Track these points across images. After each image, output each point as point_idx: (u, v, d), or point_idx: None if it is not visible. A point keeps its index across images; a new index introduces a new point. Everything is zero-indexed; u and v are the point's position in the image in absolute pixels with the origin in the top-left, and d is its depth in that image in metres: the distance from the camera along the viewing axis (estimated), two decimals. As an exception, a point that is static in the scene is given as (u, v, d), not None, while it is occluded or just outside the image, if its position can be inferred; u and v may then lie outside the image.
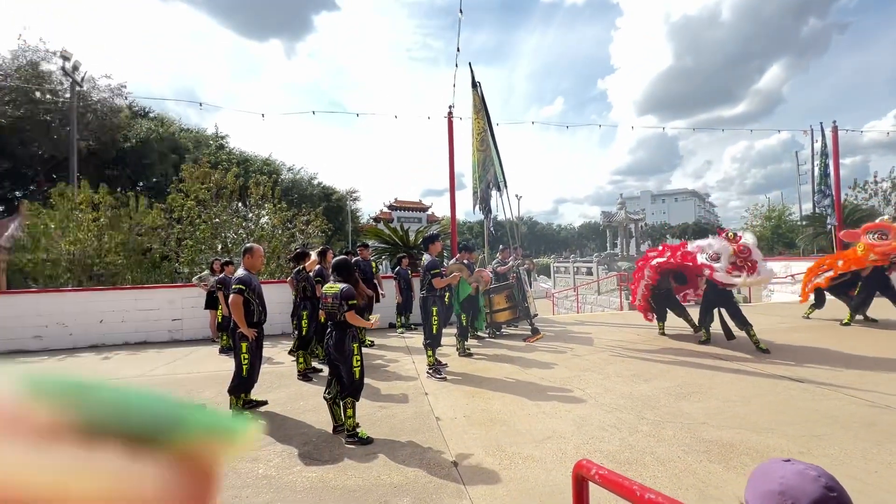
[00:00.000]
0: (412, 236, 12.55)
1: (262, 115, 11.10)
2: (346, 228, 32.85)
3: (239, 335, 3.97)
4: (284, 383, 5.15)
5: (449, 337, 6.57)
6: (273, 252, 11.05)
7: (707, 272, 6.12)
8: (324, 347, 4.07)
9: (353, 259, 7.28)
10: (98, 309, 8.10)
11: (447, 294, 5.65)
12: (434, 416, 3.93)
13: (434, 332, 5.36)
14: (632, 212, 22.54)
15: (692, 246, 6.59)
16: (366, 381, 3.79)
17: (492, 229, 9.18)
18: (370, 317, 3.78)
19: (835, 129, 13.19)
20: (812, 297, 8.22)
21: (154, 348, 7.64)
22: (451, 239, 10.09)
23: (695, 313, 6.94)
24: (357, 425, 3.48)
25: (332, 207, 31.31)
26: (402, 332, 8.39)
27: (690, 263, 6.38)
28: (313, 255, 5.92)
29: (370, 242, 11.23)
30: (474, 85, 8.44)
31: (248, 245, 4.29)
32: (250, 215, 12.17)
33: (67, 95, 17.86)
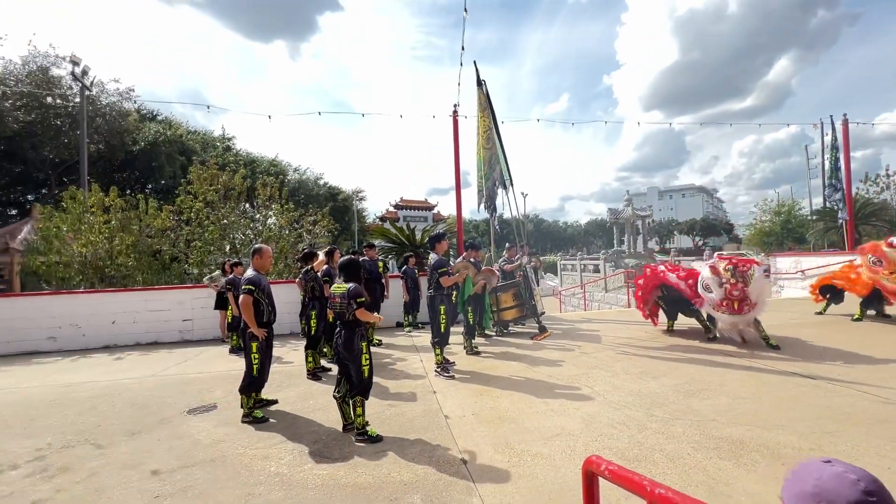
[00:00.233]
0: (418, 235, 12.59)
1: (269, 116, 11.20)
2: (353, 228, 32.98)
3: (249, 335, 4.02)
4: (294, 382, 5.20)
5: (456, 335, 6.58)
6: (281, 252, 11.13)
7: (698, 301, 6.19)
8: (333, 347, 4.11)
9: (360, 259, 7.33)
10: (110, 310, 8.22)
11: (454, 293, 5.66)
12: (443, 415, 3.95)
13: (442, 330, 5.38)
14: (639, 208, 22.40)
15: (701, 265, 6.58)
16: (374, 379, 3.82)
17: (497, 227, 9.17)
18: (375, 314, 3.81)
19: (845, 122, 13.01)
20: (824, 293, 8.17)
21: (165, 348, 7.74)
22: (458, 237, 10.11)
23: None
24: (367, 423, 3.51)
25: (339, 207, 31.48)
26: (410, 331, 8.42)
27: (674, 284, 6.50)
28: (321, 256, 5.96)
29: (377, 242, 11.29)
30: (479, 83, 8.44)
31: (256, 246, 4.33)
32: (258, 216, 12.26)
33: (77, 100, 18.09)
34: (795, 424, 3.39)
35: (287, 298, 7.92)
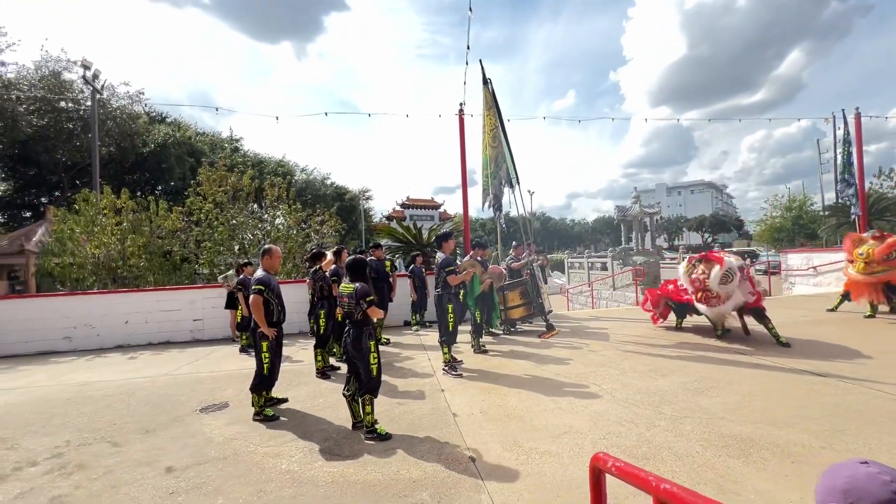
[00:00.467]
0: (425, 234, 12.62)
1: (277, 118, 11.28)
2: (360, 227, 33.12)
3: (259, 334, 4.07)
4: (303, 381, 5.26)
5: (464, 334, 6.61)
6: (289, 253, 11.23)
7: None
8: (342, 346, 4.15)
9: (367, 259, 7.37)
10: (123, 310, 8.36)
11: (462, 291, 5.68)
12: (451, 413, 3.98)
13: (450, 329, 5.40)
14: (647, 205, 22.19)
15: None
16: (383, 378, 3.86)
17: (503, 225, 9.17)
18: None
19: (858, 116, 12.80)
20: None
21: (177, 348, 7.86)
22: (464, 236, 10.12)
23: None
24: (376, 421, 3.55)
25: (346, 207, 31.63)
26: (417, 330, 8.46)
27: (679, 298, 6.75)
28: (329, 255, 6.01)
29: (384, 241, 11.34)
30: (485, 82, 8.44)
31: (266, 246, 4.38)
32: (266, 216, 12.37)
33: (88, 103, 18.36)
34: (806, 422, 3.37)
35: (296, 298, 7.99)
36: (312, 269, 5.84)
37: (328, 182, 34.42)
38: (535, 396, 4.30)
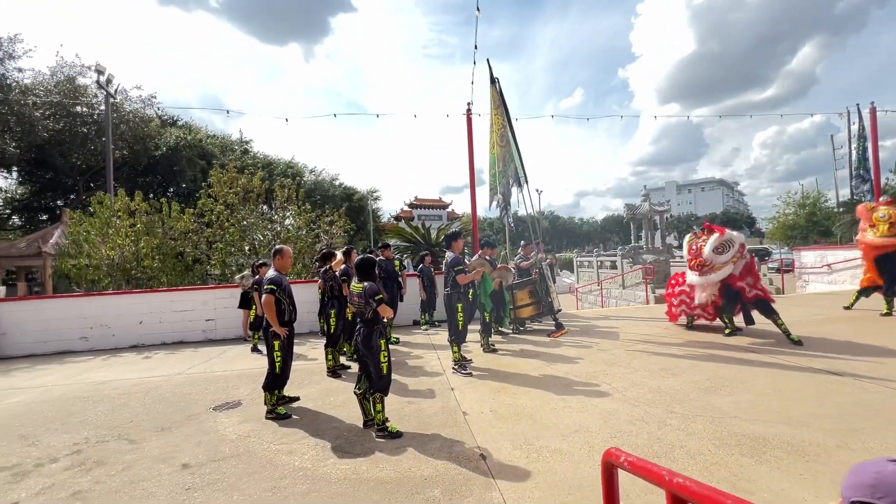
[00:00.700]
0: (433, 234, 12.65)
1: (286, 119, 11.42)
2: (368, 228, 33.26)
3: (272, 334, 4.13)
4: (315, 380, 5.31)
5: (473, 333, 6.62)
6: (299, 253, 11.33)
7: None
8: (352, 344, 4.19)
9: (377, 258, 7.42)
10: (137, 311, 8.51)
11: (471, 290, 5.69)
12: (461, 411, 3.99)
13: (459, 328, 5.42)
14: (656, 203, 21.99)
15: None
16: (393, 376, 3.88)
17: (512, 225, 9.17)
18: None
19: (873, 111, 12.56)
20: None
21: (190, 347, 7.98)
22: (473, 235, 10.14)
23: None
24: (386, 420, 3.58)
25: (354, 207, 31.77)
26: (427, 329, 8.49)
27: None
28: (339, 255, 6.06)
29: (393, 241, 11.40)
30: (493, 81, 8.44)
31: (277, 247, 4.44)
32: (276, 217, 12.48)
33: (102, 108, 18.69)
34: (821, 421, 3.33)
35: (306, 298, 8.06)
36: (322, 269, 5.89)
37: (337, 183, 34.64)
38: (545, 395, 4.30)
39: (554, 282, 8.69)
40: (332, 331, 5.60)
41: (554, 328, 7.42)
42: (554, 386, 4.57)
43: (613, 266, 21.34)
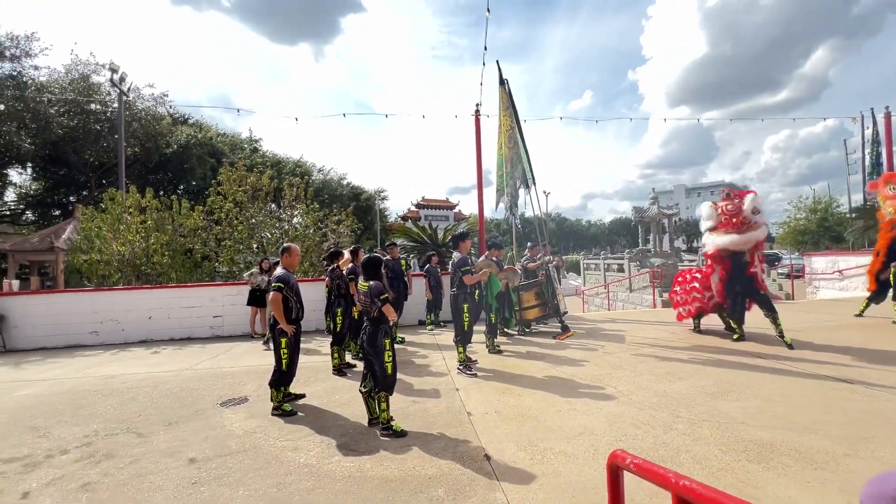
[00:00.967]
0: (440, 234, 12.67)
1: (296, 119, 11.51)
2: (375, 227, 33.37)
3: (279, 331, 4.16)
4: (320, 378, 5.34)
5: (478, 334, 6.61)
6: (306, 252, 11.40)
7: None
8: (358, 343, 4.21)
9: (385, 258, 7.45)
10: (146, 306, 8.61)
11: (477, 291, 5.70)
12: (466, 412, 4.00)
13: (465, 328, 5.42)
14: (665, 206, 21.83)
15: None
16: (398, 376, 3.90)
17: (519, 226, 9.15)
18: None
19: (887, 115, 12.38)
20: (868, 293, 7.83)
21: (198, 343, 8.06)
22: (479, 236, 10.14)
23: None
24: (391, 418, 3.60)
25: (361, 207, 31.91)
26: (432, 329, 8.50)
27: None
28: (346, 254, 6.10)
29: (399, 241, 11.42)
30: (502, 82, 8.44)
31: (285, 245, 4.47)
32: (284, 216, 12.57)
33: (115, 105, 18.94)
34: (829, 428, 3.29)
35: (312, 296, 8.11)
36: (330, 268, 5.92)
37: (345, 182, 34.79)
38: (550, 397, 4.29)
39: (559, 283, 8.67)
40: (338, 329, 5.63)
41: (560, 330, 7.40)
42: (559, 388, 4.56)
43: (621, 269, 21.21)
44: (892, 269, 7.23)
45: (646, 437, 3.29)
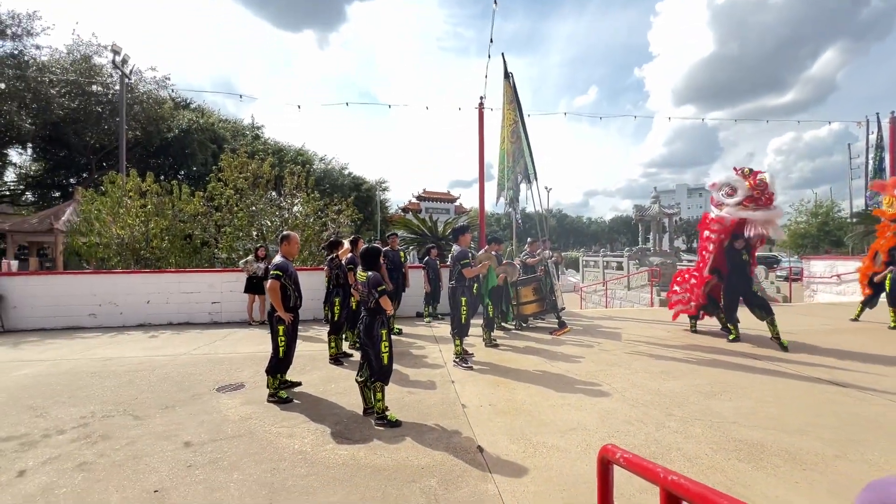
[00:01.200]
0: (440, 227, 12.66)
1: (299, 106, 11.44)
2: (376, 218, 33.34)
3: (276, 318, 4.18)
4: (317, 366, 5.37)
5: (475, 328, 6.64)
6: (306, 241, 11.39)
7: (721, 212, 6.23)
8: (355, 333, 4.23)
9: (384, 248, 7.45)
10: (145, 290, 8.62)
11: (475, 285, 5.71)
12: (460, 403, 4.03)
13: (463, 321, 5.44)
14: (666, 206, 21.78)
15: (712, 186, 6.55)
16: (395, 367, 3.92)
17: (519, 221, 9.14)
18: None
19: (893, 120, 12.33)
20: (862, 297, 7.86)
21: (196, 329, 8.09)
22: (480, 230, 10.13)
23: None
24: (386, 408, 3.62)
25: (362, 197, 31.84)
26: (430, 322, 8.53)
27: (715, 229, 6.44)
28: (346, 244, 6.10)
29: (399, 233, 11.42)
30: (507, 75, 8.39)
31: (284, 233, 4.47)
32: (284, 204, 12.53)
33: (117, 87, 18.81)
34: (820, 431, 3.32)
35: (311, 285, 8.12)
36: (329, 258, 5.93)
37: (346, 172, 34.68)
38: (545, 392, 4.32)
39: (558, 280, 8.68)
40: (336, 318, 5.65)
41: (557, 326, 7.43)
42: (554, 383, 4.58)
43: (619, 267, 21.23)
44: (889, 274, 7.26)
45: (638, 434, 3.31)
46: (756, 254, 6.47)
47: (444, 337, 6.87)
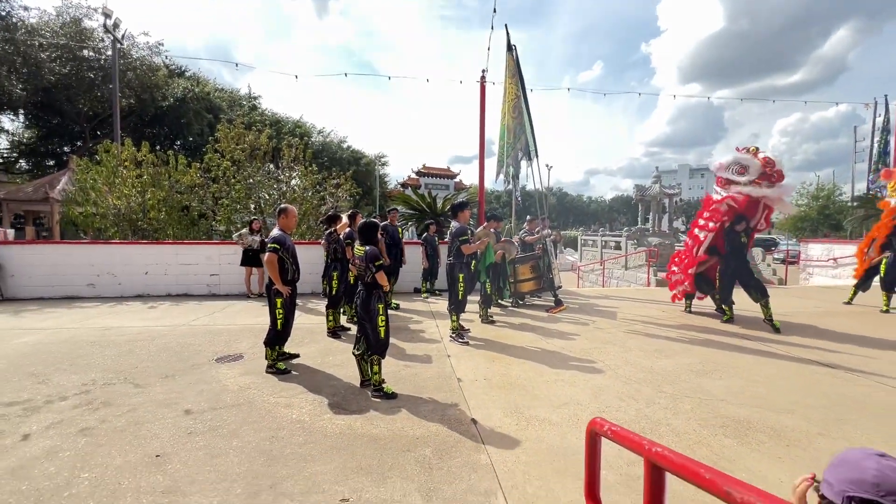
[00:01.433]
0: (439, 203, 12.58)
1: (296, 76, 11.18)
2: (374, 193, 33.11)
3: (274, 291, 4.20)
4: (315, 339, 5.43)
5: (472, 304, 6.70)
6: (304, 215, 11.33)
7: (731, 190, 6.20)
8: (353, 307, 4.25)
9: (383, 223, 7.43)
10: (143, 261, 8.63)
11: (473, 261, 5.73)
12: (456, 377, 4.10)
13: (460, 297, 5.48)
14: (667, 186, 21.65)
15: (717, 167, 6.48)
16: (392, 341, 3.97)
17: (519, 199, 9.09)
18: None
19: (901, 103, 12.11)
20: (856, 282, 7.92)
21: (194, 300, 8.14)
22: (479, 207, 10.08)
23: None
24: (383, 381, 3.69)
25: (361, 172, 31.51)
26: (427, 298, 8.59)
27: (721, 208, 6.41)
28: (344, 219, 6.07)
29: (398, 208, 11.35)
30: (509, 48, 8.17)
31: (282, 206, 4.44)
32: (282, 177, 12.41)
33: (109, 53, 18.30)
34: (806, 410, 3.40)
35: (309, 259, 8.14)
36: (327, 232, 5.91)
37: (345, 146, 34.21)
38: (539, 368, 4.39)
39: (556, 258, 8.71)
40: (333, 292, 5.68)
41: (553, 304, 7.50)
42: (548, 359, 4.66)
43: (618, 247, 21.28)
44: (884, 259, 7.30)
45: (628, 410, 3.39)
46: (755, 236, 6.48)
47: (442, 312, 6.94)
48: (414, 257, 8.71)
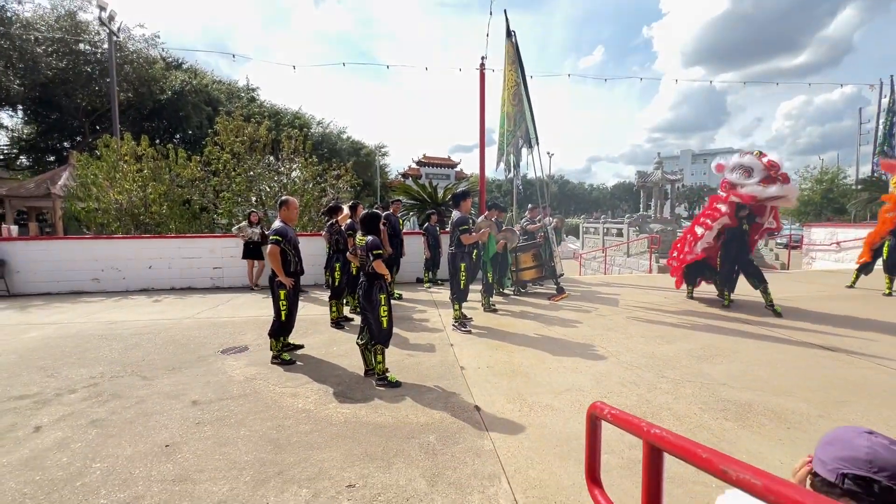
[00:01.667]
0: (440, 193, 12.56)
1: (294, 67, 11.10)
2: (375, 184, 33.02)
3: (277, 283, 4.23)
4: (319, 330, 5.48)
5: (474, 293, 6.73)
6: (305, 206, 11.33)
7: (738, 189, 6.15)
8: (355, 297, 4.28)
9: (385, 213, 7.43)
10: (147, 256, 8.67)
11: (475, 251, 5.73)
12: (459, 366, 4.14)
13: (462, 287, 5.50)
14: (669, 172, 21.52)
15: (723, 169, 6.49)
16: (395, 330, 4.00)
17: (520, 187, 9.06)
18: None
19: (907, 84, 11.94)
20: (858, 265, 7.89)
21: (198, 294, 8.19)
22: (480, 196, 10.05)
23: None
24: (386, 370, 3.73)
25: (361, 162, 31.43)
26: (429, 287, 8.62)
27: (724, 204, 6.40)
28: (345, 210, 6.08)
29: (399, 198, 11.33)
30: (509, 34, 8.07)
31: (283, 198, 4.44)
32: (283, 169, 12.38)
33: (105, 46, 18.15)
34: (806, 392, 3.43)
35: (311, 251, 8.16)
36: (329, 223, 5.92)
37: (345, 136, 34.09)
38: (541, 355, 4.43)
39: (558, 245, 8.71)
40: (336, 283, 5.71)
41: (555, 292, 7.52)
42: (550, 347, 4.69)
43: (620, 234, 21.23)
44: (887, 242, 7.27)
45: (630, 395, 3.43)
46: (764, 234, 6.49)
47: (444, 302, 6.97)
48: (416, 247, 8.72)
